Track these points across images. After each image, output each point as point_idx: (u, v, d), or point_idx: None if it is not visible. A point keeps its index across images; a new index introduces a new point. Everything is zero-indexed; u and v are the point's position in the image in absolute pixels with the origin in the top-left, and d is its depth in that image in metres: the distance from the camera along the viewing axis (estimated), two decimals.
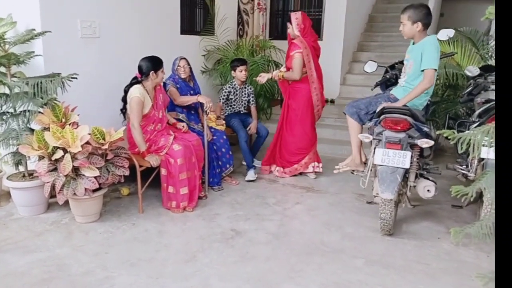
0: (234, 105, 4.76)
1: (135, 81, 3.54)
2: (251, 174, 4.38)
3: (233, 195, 3.97)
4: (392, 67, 3.88)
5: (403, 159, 2.97)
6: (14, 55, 3.15)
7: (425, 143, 2.98)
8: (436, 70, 3.08)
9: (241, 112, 4.79)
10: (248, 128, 4.59)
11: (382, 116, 3.09)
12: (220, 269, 2.73)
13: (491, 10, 1.92)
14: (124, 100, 3.59)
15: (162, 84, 3.75)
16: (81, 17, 3.70)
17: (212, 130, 4.24)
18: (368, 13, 8.42)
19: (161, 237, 3.15)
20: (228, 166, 4.23)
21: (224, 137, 4.26)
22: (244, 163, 4.66)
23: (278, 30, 7.38)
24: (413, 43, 3.30)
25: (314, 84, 4.31)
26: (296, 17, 4.14)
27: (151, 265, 2.76)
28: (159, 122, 3.66)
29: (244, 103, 4.79)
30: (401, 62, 3.81)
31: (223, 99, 4.71)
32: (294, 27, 4.15)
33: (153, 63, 3.52)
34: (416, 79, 3.20)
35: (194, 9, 5.50)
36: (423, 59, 3.11)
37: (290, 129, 4.44)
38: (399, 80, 3.49)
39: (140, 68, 3.52)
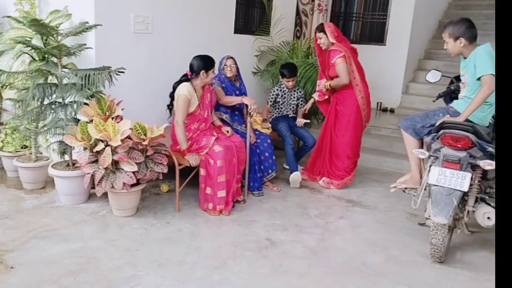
0: (282, 108, 4.59)
1: (184, 79, 3.50)
2: (296, 179, 4.19)
3: (273, 202, 3.79)
4: (458, 78, 3.50)
5: (462, 180, 2.63)
6: (65, 47, 3.21)
7: (488, 164, 2.62)
8: (493, 75, 2.74)
9: (289, 116, 4.62)
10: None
11: (441, 132, 2.77)
12: (249, 280, 2.58)
13: None
14: (172, 96, 3.55)
15: (210, 83, 3.68)
16: (135, 12, 3.72)
17: (257, 133, 4.11)
18: (438, 19, 7.86)
19: (194, 239, 3.05)
20: (270, 171, 4.07)
21: (269, 141, 4.10)
22: (286, 166, 4.50)
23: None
24: (464, 58, 3.02)
25: (359, 87, 4.13)
26: (328, 25, 4.13)
27: (179, 268, 2.66)
28: (204, 121, 3.59)
29: (293, 107, 4.61)
30: None
31: (270, 101, 4.56)
32: (329, 35, 4.06)
33: (205, 62, 3.46)
34: (476, 89, 2.88)
35: (250, 9, 5.40)
36: (476, 67, 2.82)
37: (342, 136, 4.21)
38: (460, 94, 3.15)
39: (191, 66, 3.48)
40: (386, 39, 6.74)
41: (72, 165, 3.46)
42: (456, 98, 3.42)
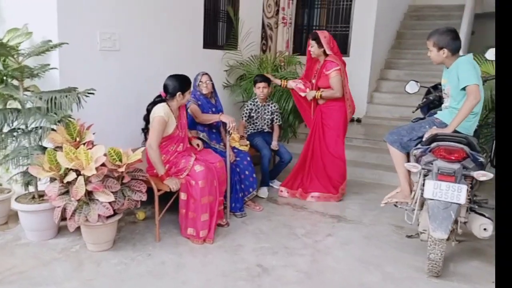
0: (257, 123, 4.47)
1: (158, 100, 3.27)
2: (263, 191, 4.25)
3: (257, 223, 3.63)
4: (435, 87, 3.54)
5: (458, 193, 2.61)
6: (28, 68, 2.92)
7: (482, 175, 2.62)
8: (478, 85, 2.77)
9: (265, 131, 4.51)
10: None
11: (434, 144, 2.75)
12: None
13: None
14: (147, 119, 3.30)
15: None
16: (101, 29, 3.47)
17: (235, 151, 3.95)
18: (396, 29, 8.11)
19: (179, 271, 2.82)
20: (251, 190, 3.92)
21: (248, 158, 3.95)
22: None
23: (302, 45, 7.11)
24: (447, 68, 3.04)
25: (349, 101, 4.15)
26: (324, 35, 4.03)
27: None
28: (182, 142, 3.38)
29: (268, 122, 4.50)
30: None
31: (245, 117, 4.43)
32: (324, 45, 4.00)
33: (181, 83, 3.24)
34: (461, 100, 2.88)
35: (217, 23, 5.27)
36: (460, 78, 2.82)
37: (333, 149, 4.17)
38: (443, 104, 3.16)
39: (166, 87, 3.24)
40: (349, 50, 6.84)
41: (38, 197, 3.13)
42: (434, 107, 3.46)
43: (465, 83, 2.78)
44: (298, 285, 2.72)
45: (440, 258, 2.72)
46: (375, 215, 3.90)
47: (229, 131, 3.54)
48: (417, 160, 2.92)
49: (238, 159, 3.88)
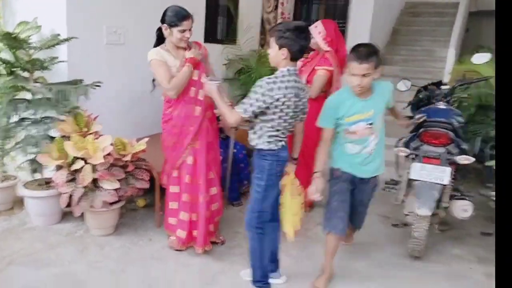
0: None
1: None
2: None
3: None
4: (425, 88, 3.73)
5: (442, 174, 2.85)
6: (39, 61, 3.07)
7: (465, 159, 2.85)
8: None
9: None
10: None
11: (422, 129, 2.97)
12: None
13: None
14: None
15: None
16: (107, 23, 3.61)
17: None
18: (392, 26, 8.26)
19: (180, 254, 3.01)
20: (245, 182, 4.07)
21: (244, 151, 4.11)
22: None
23: None
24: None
25: None
26: (318, 31, 3.53)
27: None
28: (198, 104, 2.87)
29: None
30: (434, 84, 3.67)
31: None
32: (320, 43, 3.56)
33: (165, 14, 2.76)
34: None
35: (217, 17, 5.41)
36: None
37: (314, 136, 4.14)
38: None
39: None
40: (346, 45, 6.97)
41: (45, 183, 3.30)
42: (424, 106, 3.63)
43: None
44: (288, 269, 2.89)
45: (424, 236, 2.95)
46: None
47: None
48: (407, 145, 3.14)
49: (235, 150, 4.04)
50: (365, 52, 2.29)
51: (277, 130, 2.39)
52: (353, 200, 2.66)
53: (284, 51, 2.29)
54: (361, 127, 2.46)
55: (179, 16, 2.74)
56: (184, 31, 2.77)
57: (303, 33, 2.32)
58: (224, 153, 3.82)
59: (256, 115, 2.36)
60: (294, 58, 2.33)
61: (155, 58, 2.79)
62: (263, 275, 2.63)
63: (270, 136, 2.39)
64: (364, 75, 2.31)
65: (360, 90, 2.38)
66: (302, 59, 3.67)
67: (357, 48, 2.35)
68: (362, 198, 2.72)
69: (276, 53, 2.34)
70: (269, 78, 2.32)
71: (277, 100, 2.27)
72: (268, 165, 2.44)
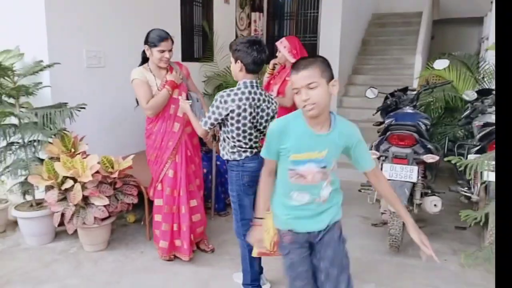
0: None
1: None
2: None
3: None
4: (392, 94, 4.01)
5: (411, 173, 3.09)
6: (24, 87, 3.19)
7: (431, 158, 3.09)
8: None
9: None
10: None
11: (389, 133, 3.21)
12: None
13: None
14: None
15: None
16: (87, 48, 3.77)
17: (216, 154, 4.27)
18: (361, 37, 8.63)
19: (172, 265, 3.14)
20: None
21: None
22: None
23: (274, 55, 7.52)
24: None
25: None
26: (283, 45, 3.69)
27: None
28: (176, 121, 3.04)
29: None
30: (400, 90, 3.96)
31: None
32: (286, 55, 3.67)
33: (148, 35, 2.98)
34: None
35: (193, 37, 5.62)
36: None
37: None
38: None
39: None
40: None
41: (36, 204, 3.39)
42: (392, 111, 3.90)
43: None
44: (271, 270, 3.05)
45: (399, 232, 3.17)
46: (344, 209, 4.26)
47: (217, 136, 3.65)
48: (377, 148, 3.38)
49: (218, 163, 4.21)
50: (303, 62, 1.78)
51: (238, 141, 2.47)
52: (318, 264, 1.96)
53: (239, 63, 2.41)
54: (313, 170, 1.82)
55: (158, 38, 2.94)
56: (163, 51, 2.96)
57: (254, 45, 2.39)
58: (208, 166, 4.01)
59: (220, 127, 2.52)
60: (250, 70, 2.41)
61: (137, 78, 2.98)
62: (254, 279, 2.76)
63: (233, 147, 2.50)
64: (309, 87, 1.72)
65: (313, 110, 1.72)
66: (268, 74, 4.01)
67: (295, 62, 1.85)
68: (331, 255, 1.96)
69: (233, 67, 2.46)
70: (224, 91, 2.46)
71: (232, 111, 2.38)
72: (234, 175, 2.57)
